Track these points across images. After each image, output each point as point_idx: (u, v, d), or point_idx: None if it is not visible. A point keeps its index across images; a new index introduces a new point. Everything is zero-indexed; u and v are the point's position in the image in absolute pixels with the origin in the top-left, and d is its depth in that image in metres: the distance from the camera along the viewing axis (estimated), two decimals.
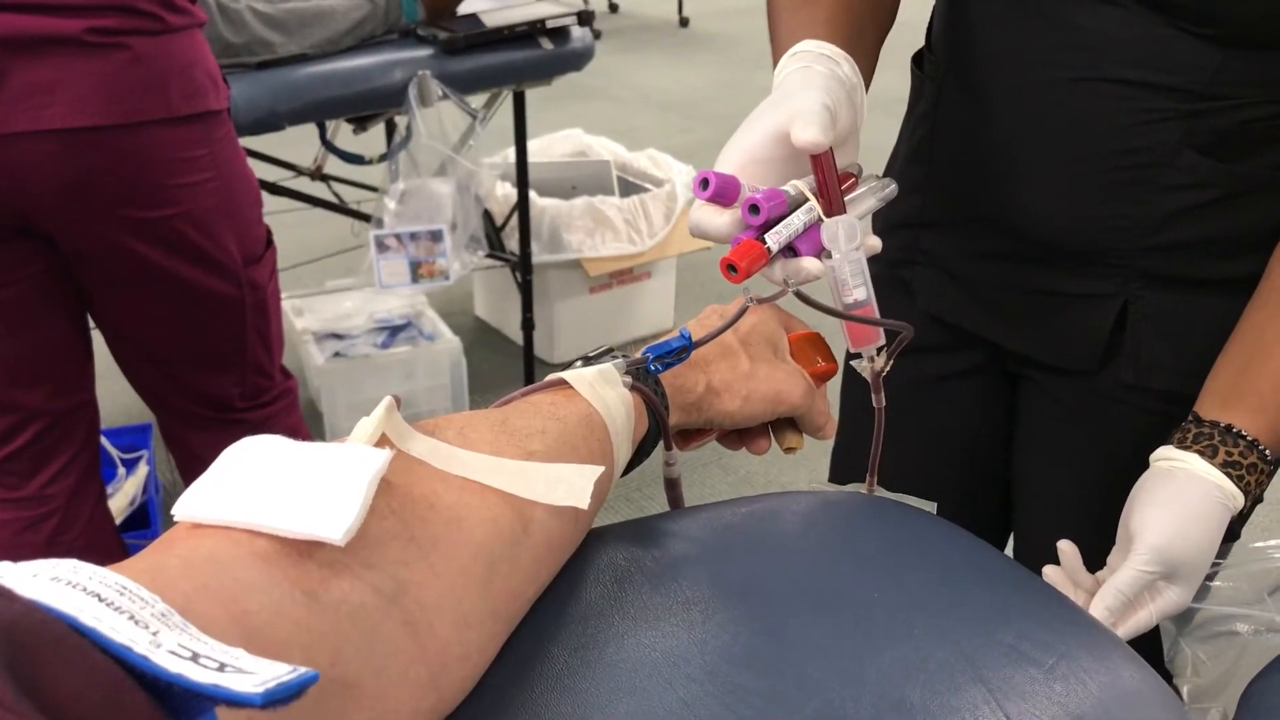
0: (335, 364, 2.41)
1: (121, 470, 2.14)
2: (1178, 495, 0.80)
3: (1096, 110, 0.84)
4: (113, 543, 1.68)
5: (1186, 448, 0.82)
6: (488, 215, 2.54)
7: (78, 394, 1.54)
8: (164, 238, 1.36)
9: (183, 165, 1.34)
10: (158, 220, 1.35)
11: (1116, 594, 0.79)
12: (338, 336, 2.53)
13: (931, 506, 0.70)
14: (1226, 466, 0.80)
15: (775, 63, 0.79)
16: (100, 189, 1.29)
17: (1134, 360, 0.92)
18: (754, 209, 0.64)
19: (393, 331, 2.56)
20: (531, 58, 2.22)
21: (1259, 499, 0.86)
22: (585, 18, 2.27)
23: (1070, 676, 0.52)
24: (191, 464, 1.67)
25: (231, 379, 1.56)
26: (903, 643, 0.53)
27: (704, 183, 0.66)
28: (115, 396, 2.70)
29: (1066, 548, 0.87)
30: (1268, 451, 0.81)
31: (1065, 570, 0.87)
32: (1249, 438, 0.81)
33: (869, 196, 0.73)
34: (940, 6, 0.98)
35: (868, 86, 0.80)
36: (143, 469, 2.17)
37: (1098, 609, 0.79)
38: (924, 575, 0.59)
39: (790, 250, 0.66)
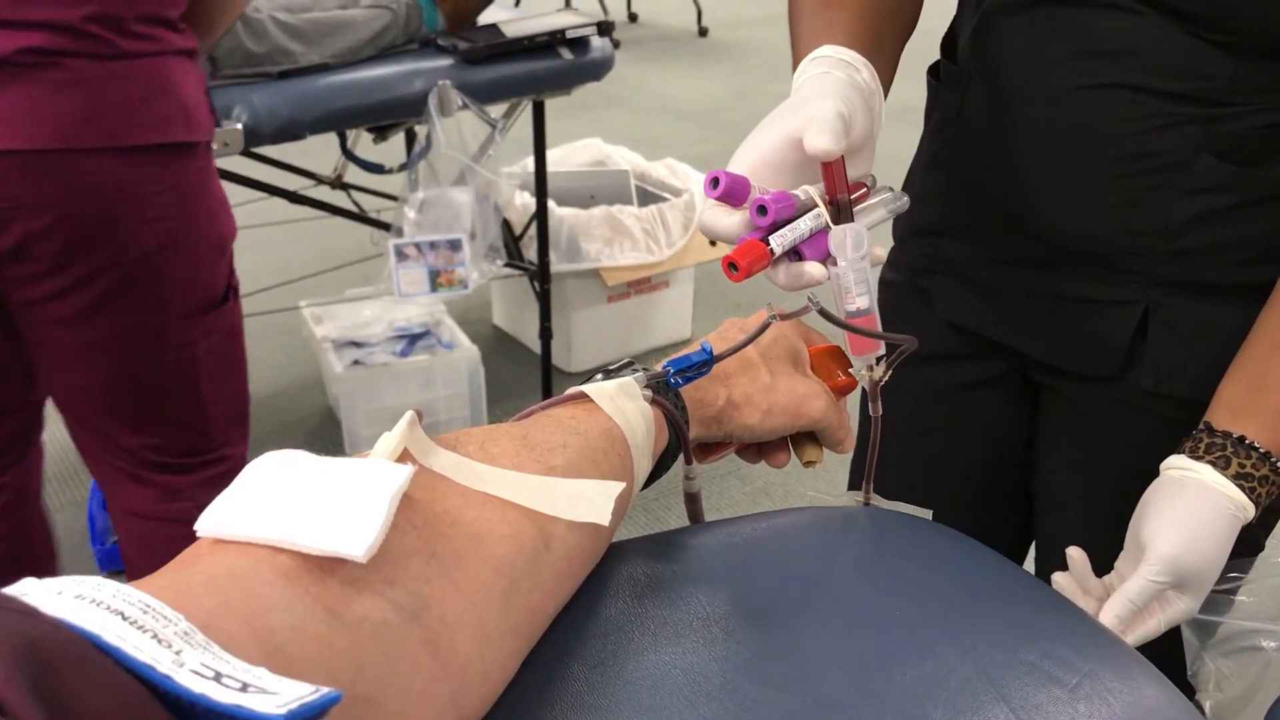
0: (354, 372, 2.41)
1: None
2: (1189, 506, 0.81)
3: (1114, 115, 0.84)
4: (48, 563, 1.60)
5: (1199, 457, 0.82)
6: (506, 224, 2.55)
7: (14, 416, 1.46)
8: (92, 274, 1.27)
9: (130, 199, 1.25)
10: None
11: (1126, 603, 0.80)
12: (356, 344, 2.54)
13: (927, 514, 0.70)
14: (1239, 478, 0.80)
15: (795, 67, 0.79)
16: (23, 215, 1.21)
17: (1154, 367, 0.92)
18: (762, 210, 0.65)
19: (411, 340, 2.57)
20: (551, 68, 2.23)
21: (1277, 510, 0.85)
22: (605, 28, 2.27)
23: (1094, 696, 0.51)
24: (117, 514, 1.56)
25: (149, 435, 1.45)
26: (924, 660, 0.53)
27: (714, 182, 0.66)
28: None
29: (1076, 554, 0.88)
30: (1278, 462, 0.81)
31: (1074, 576, 0.87)
32: (1261, 450, 0.81)
33: (880, 208, 0.73)
34: (962, 16, 0.98)
35: (887, 93, 0.80)
36: None
37: (1107, 616, 0.80)
38: (945, 592, 0.58)
39: (796, 254, 0.66)
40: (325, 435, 2.61)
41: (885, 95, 0.79)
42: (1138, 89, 0.83)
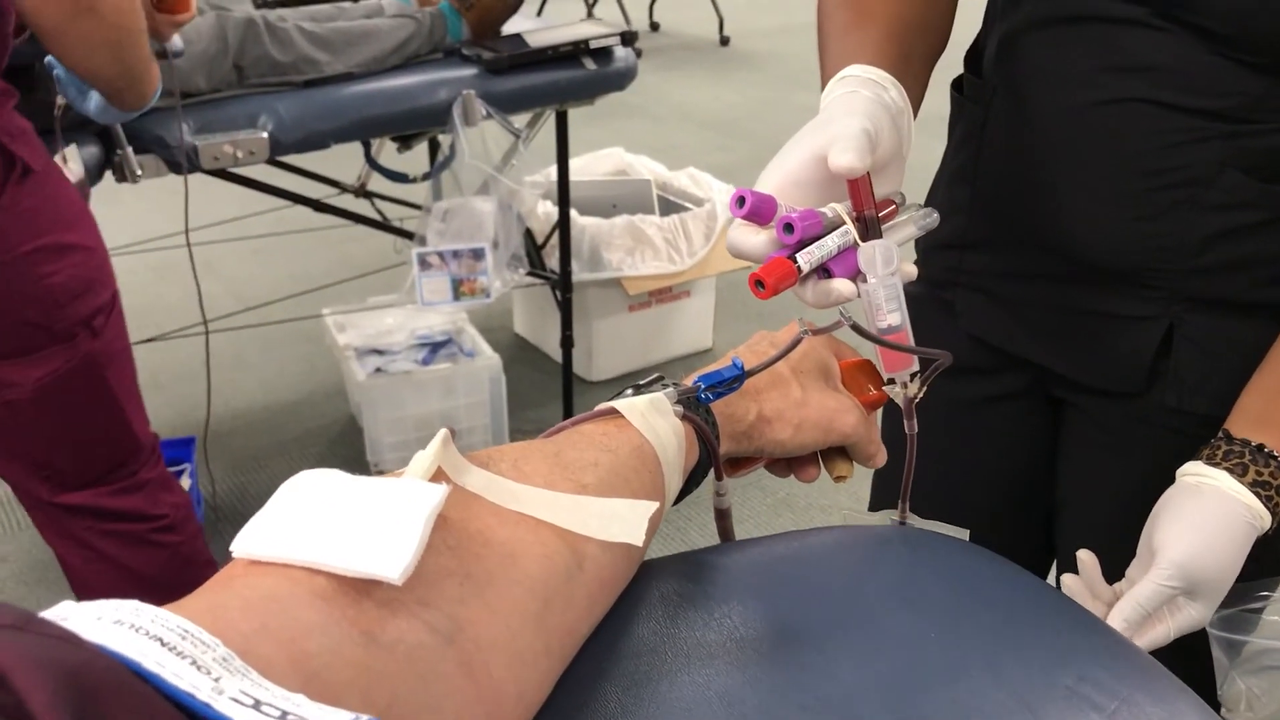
0: (376, 380, 2.42)
1: None
2: (1203, 512, 0.80)
3: (1139, 129, 0.84)
4: None
5: (1216, 464, 0.81)
6: (529, 233, 2.55)
7: None
8: None
9: None
10: None
11: (1136, 606, 0.79)
12: (379, 352, 2.54)
13: (964, 534, 0.69)
14: (1256, 486, 0.79)
15: (823, 85, 0.79)
16: None
17: (1177, 384, 0.91)
18: (789, 228, 0.64)
19: (433, 348, 2.57)
20: (575, 78, 2.23)
21: None
22: (628, 38, 2.27)
23: None
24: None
25: (18, 467, 1.50)
26: (958, 684, 0.52)
27: (740, 201, 0.65)
28: (157, 409, 2.73)
29: (1086, 557, 0.87)
30: None
31: (1084, 580, 0.86)
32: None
33: (909, 224, 0.72)
34: (987, 30, 0.97)
35: (917, 111, 0.80)
36: (185, 482, 2.19)
37: (1115, 620, 0.79)
38: (979, 614, 0.58)
39: (824, 272, 0.66)
40: (347, 443, 2.62)
41: (915, 114, 0.78)
42: (1163, 104, 0.82)
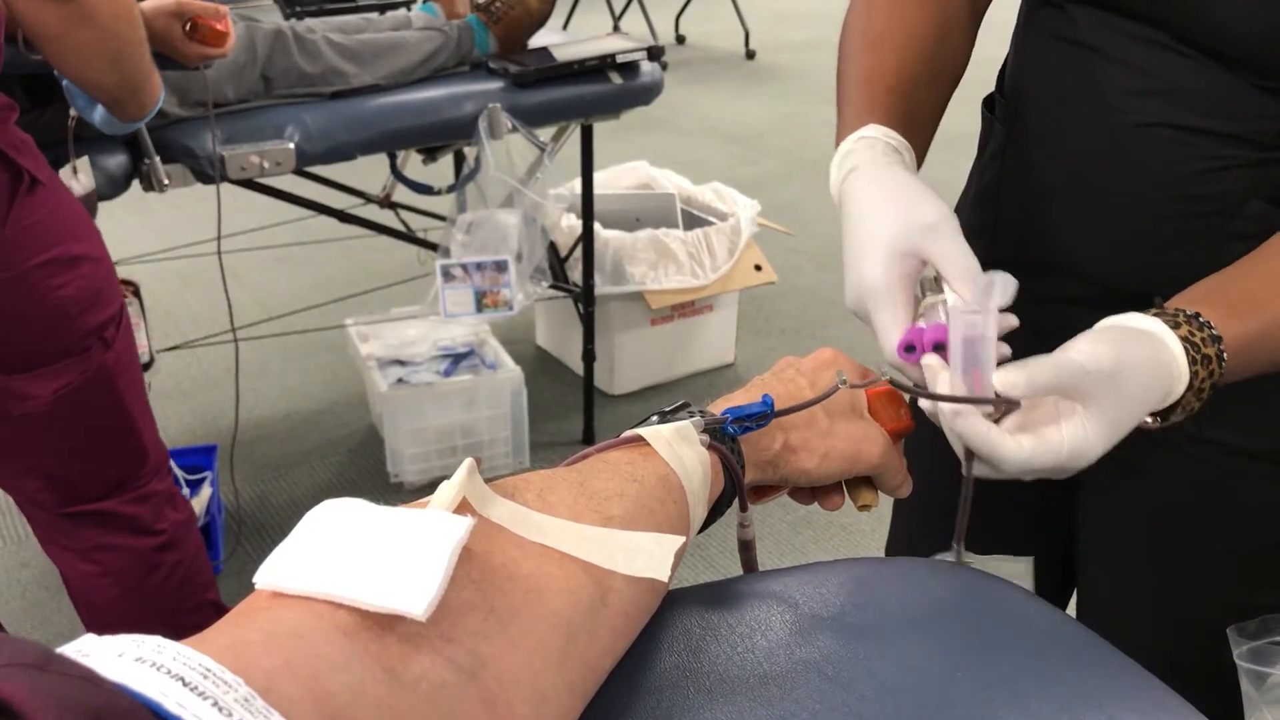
0: (398, 390, 2.42)
1: (185, 491, 2.16)
2: (1126, 334, 0.71)
3: (1163, 156, 0.83)
4: None
5: (1147, 315, 0.74)
6: (552, 246, 2.55)
7: None
8: None
9: None
10: None
11: (1026, 374, 0.69)
12: (401, 363, 2.55)
13: (1026, 563, 0.68)
14: (1185, 342, 0.71)
15: (839, 132, 0.82)
16: None
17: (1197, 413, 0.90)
18: (939, 346, 0.69)
19: (455, 360, 2.57)
20: (601, 92, 2.23)
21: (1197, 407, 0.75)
22: (655, 53, 2.27)
23: None
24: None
25: (24, 481, 1.49)
26: None
27: (909, 347, 0.69)
28: (181, 417, 2.75)
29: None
30: (1225, 353, 0.72)
31: None
32: (1215, 331, 0.72)
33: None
34: (1011, 50, 0.97)
35: (924, 156, 0.84)
36: (206, 490, 2.20)
37: (1001, 378, 0.69)
38: (1008, 652, 0.57)
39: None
40: (368, 453, 2.62)
41: (920, 164, 0.82)
42: (1189, 129, 0.81)
